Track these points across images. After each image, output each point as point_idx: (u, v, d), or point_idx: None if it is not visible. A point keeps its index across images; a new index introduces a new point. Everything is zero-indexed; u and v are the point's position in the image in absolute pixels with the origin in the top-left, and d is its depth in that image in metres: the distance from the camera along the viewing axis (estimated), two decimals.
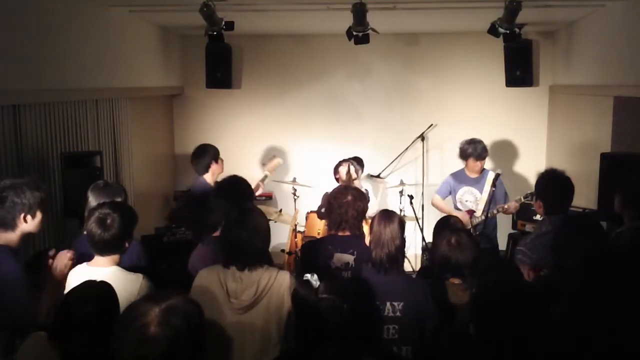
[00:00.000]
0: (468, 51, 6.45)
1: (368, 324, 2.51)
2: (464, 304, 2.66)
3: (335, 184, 4.95)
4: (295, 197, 5.98)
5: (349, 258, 3.10)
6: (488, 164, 5.92)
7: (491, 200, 4.76)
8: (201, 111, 6.79)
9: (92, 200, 3.09)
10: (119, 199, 3.05)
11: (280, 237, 6.28)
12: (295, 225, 5.45)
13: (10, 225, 2.58)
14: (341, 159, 5.30)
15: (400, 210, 5.90)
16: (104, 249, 2.56)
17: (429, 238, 4.06)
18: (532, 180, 6.42)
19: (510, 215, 5.25)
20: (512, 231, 5.36)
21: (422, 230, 5.56)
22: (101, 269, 2.56)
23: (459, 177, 5.13)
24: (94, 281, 2.17)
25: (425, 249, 5.46)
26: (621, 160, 4.15)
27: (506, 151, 6.53)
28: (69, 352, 1.96)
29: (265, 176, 5.08)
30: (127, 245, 2.63)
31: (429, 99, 6.56)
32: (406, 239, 2.78)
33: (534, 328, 1.81)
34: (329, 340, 1.96)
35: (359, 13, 4.47)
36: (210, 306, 2.41)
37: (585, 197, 4.60)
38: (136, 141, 5.47)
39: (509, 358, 1.83)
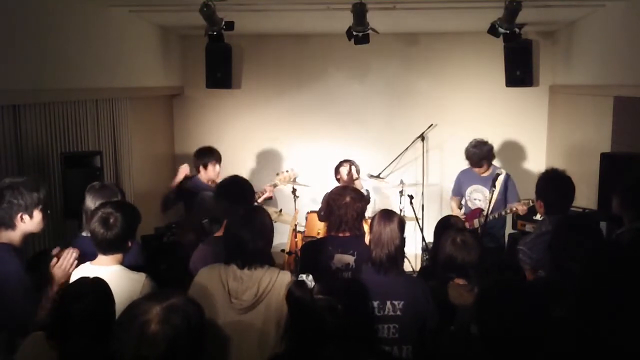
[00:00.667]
0: (468, 51, 6.44)
1: (364, 323, 2.50)
2: (468, 305, 2.65)
3: (336, 184, 4.95)
4: (295, 197, 5.97)
5: (350, 259, 3.10)
6: (499, 163, 5.92)
7: (497, 200, 4.76)
8: (201, 111, 6.79)
9: (89, 202, 3.09)
10: (112, 200, 3.05)
11: (280, 237, 6.27)
12: (295, 225, 5.45)
13: (9, 224, 2.59)
14: (342, 159, 5.30)
15: (400, 210, 5.89)
16: (107, 248, 2.56)
17: (429, 238, 4.06)
18: (533, 180, 6.38)
19: (511, 215, 5.25)
20: (512, 231, 5.36)
21: (422, 230, 5.56)
22: (104, 268, 2.56)
23: (468, 175, 5.13)
24: (88, 278, 2.18)
25: (425, 249, 5.46)
26: (621, 160, 4.15)
27: (506, 151, 6.53)
28: (68, 352, 1.96)
29: (275, 185, 5.09)
30: (130, 244, 2.64)
31: (429, 99, 6.56)
32: (406, 239, 2.78)
33: (535, 328, 1.81)
34: (326, 340, 1.95)
35: (359, 13, 4.47)
36: (211, 305, 2.42)
37: (585, 197, 4.59)
38: (136, 141, 5.47)
39: (510, 358, 1.83)
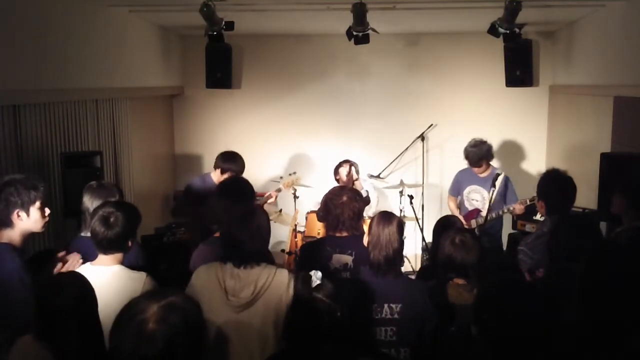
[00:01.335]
0: (468, 51, 6.45)
1: (362, 326, 2.50)
2: (468, 305, 2.65)
3: (335, 185, 4.94)
4: (295, 197, 5.97)
5: (348, 259, 3.10)
6: (497, 163, 5.93)
7: (496, 201, 4.76)
8: (201, 111, 6.79)
9: (87, 201, 3.10)
10: (112, 200, 3.06)
11: (280, 237, 6.28)
12: (295, 225, 5.45)
13: (6, 222, 2.59)
14: (341, 160, 5.30)
15: (400, 210, 5.89)
16: (108, 247, 2.57)
17: (429, 238, 4.06)
18: (533, 180, 6.41)
19: (510, 216, 5.25)
20: (512, 231, 5.36)
21: (422, 230, 5.56)
22: (105, 268, 2.57)
23: (467, 174, 5.13)
24: (64, 273, 2.18)
25: (425, 249, 5.46)
26: (621, 160, 4.15)
27: (506, 151, 6.53)
28: (60, 351, 1.95)
29: (279, 189, 5.04)
30: (130, 244, 2.64)
31: (429, 99, 6.56)
32: (405, 241, 2.78)
33: (535, 328, 1.81)
34: (322, 341, 1.95)
35: (359, 13, 4.47)
36: (208, 304, 2.41)
37: (585, 197, 4.59)
38: (136, 141, 5.47)
39: (510, 359, 1.83)
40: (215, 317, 2.43)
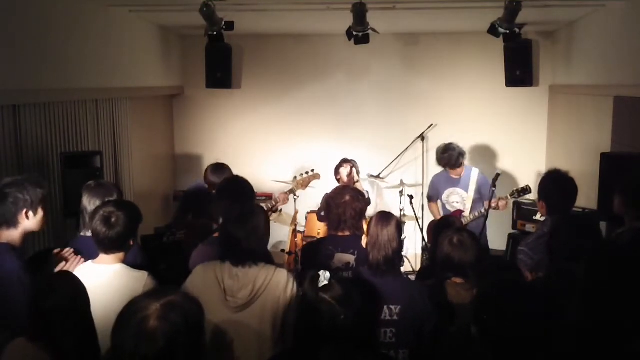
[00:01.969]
0: (468, 51, 6.44)
1: (365, 327, 2.50)
2: (466, 304, 2.65)
3: (336, 185, 4.95)
4: (295, 197, 5.96)
5: (350, 258, 3.10)
6: (488, 164, 5.94)
7: (478, 199, 4.79)
8: (201, 111, 6.79)
9: (85, 201, 3.10)
10: (111, 199, 3.06)
11: (280, 237, 6.28)
12: (295, 225, 5.45)
13: (13, 222, 2.59)
14: (342, 159, 5.29)
15: (400, 210, 5.89)
16: (109, 246, 2.57)
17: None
18: (532, 180, 6.42)
19: (510, 215, 5.25)
20: (512, 231, 5.36)
21: (422, 230, 5.56)
22: (106, 267, 2.57)
23: (443, 178, 5.18)
24: (56, 273, 2.17)
25: (425, 249, 5.46)
26: (621, 160, 4.15)
27: (506, 151, 6.53)
28: (54, 351, 1.95)
29: (292, 190, 4.93)
30: (131, 243, 2.64)
31: (429, 99, 6.56)
32: (404, 241, 2.78)
33: (535, 328, 1.81)
34: (324, 342, 1.95)
35: (359, 13, 4.47)
36: (206, 303, 2.40)
37: (585, 197, 4.59)
38: (136, 141, 5.47)
39: (510, 358, 1.83)
40: (212, 317, 2.42)
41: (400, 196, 6.02)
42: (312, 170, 5.18)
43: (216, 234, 3.12)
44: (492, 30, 4.80)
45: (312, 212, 5.51)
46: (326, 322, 1.94)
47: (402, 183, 6.06)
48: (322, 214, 5.12)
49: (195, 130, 6.79)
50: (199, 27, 5.02)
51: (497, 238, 5.25)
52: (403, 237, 2.76)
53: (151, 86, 5.88)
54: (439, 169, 6.08)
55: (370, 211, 5.13)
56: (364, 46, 5.00)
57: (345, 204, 3.15)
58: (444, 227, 3.16)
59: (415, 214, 5.49)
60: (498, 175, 4.77)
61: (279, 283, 2.52)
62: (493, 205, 4.75)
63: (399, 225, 2.75)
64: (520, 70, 6.04)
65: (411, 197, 5.54)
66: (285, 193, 4.81)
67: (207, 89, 6.42)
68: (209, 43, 5.71)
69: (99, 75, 4.63)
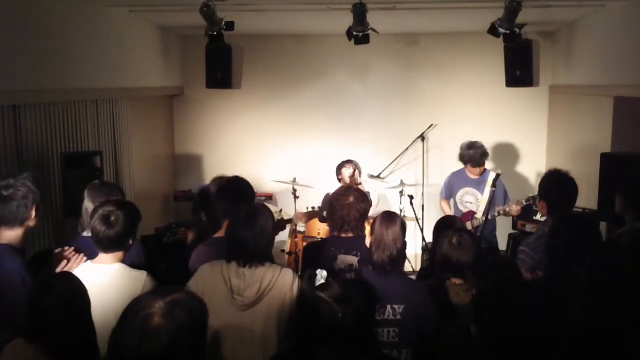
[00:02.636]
0: (468, 51, 6.44)
1: (364, 326, 2.50)
2: (465, 305, 2.65)
3: (336, 185, 4.94)
4: (295, 197, 5.97)
5: (353, 259, 3.09)
6: (488, 164, 5.93)
7: (491, 202, 4.75)
8: (201, 111, 6.79)
9: (88, 200, 3.10)
10: (113, 199, 3.06)
11: (281, 237, 6.28)
12: (295, 225, 5.45)
13: (20, 219, 2.58)
14: (344, 160, 5.23)
15: (400, 210, 5.89)
16: (108, 246, 2.57)
17: (429, 238, 4.06)
18: (533, 180, 6.43)
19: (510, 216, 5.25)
20: (512, 231, 5.36)
21: (422, 230, 5.56)
22: (105, 266, 2.57)
23: (459, 177, 5.12)
24: (55, 273, 2.17)
25: (425, 249, 5.46)
26: (621, 160, 4.15)
27: (506, 151, 6.53)
28: (52, 352, 1.94)
29: (291, 220, 5.13)
30: (130, 242, 2.64)
31: (429, 99, 6.56)
32: (407, 242, 2.78)
33: (535, 328, 1.81)
34: (324, 341, 1.95)
35: (359, 13, 4.47)
36: (212, 301, 2.41)
37: (585, 197, 4.59)
38: (136, 141, 5.47)
39: (510, 358, 1.83)
40: (218, 315, 2.42)
41: (400, 196, 6.03)
42: (314, 207, 5.21)
43: (216, 234, 3.12)
44: (492, 30, 4.80)
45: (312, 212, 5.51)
46: (324, 321, 1.94)
47: (402, 183, 6.06)
48: (324, 214, 5.12)
49: (195, 130, 6.79)
50: (199, 27, 5.02)
51: (497, 238, 5.25)
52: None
53: (151, 86, 5.88)
54: (439, 169, 6.10)
55: (371, 212, 5.14)
56: (364, 46, 4.99)
57: (349, 205, 3.14)
58: (445, 227, 3.16)
59: (415, 214, 5.49)
60: (498, 175, 4.77)
61: (285, 283, 2.53)
62: (507, 209, 4.74)
63: (404, 224, 2.75)
64: (520, 70, 6.04)
65: (411, 197, 5.54)
66: (284, 219, 4.92)
67: (207, 89, 6.42)
68: (209, 43, 5.71)
69: (99, 75, 4.63)
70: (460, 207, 5.09)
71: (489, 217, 4.70)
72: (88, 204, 3.09)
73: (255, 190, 3.46)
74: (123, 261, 2.64)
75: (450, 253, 2.74)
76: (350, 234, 3.16)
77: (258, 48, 6.62)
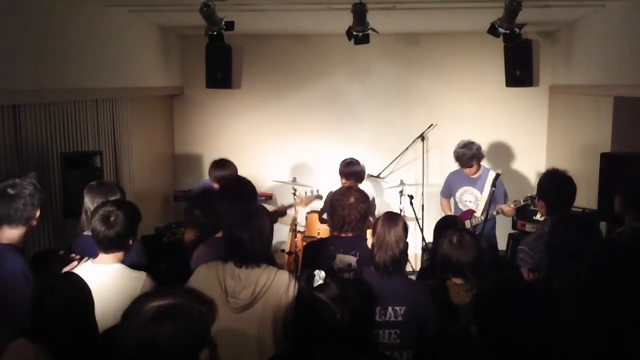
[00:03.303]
0: (468, 51, 6.44)
1: (362, 327, 2.50)
2: (465, 305, 2.65)
3: (336, 184, 4.93)
4: (295, 197, 5.98)
5: (352, 259, 3.10)
6: (488, 164, 5.93)
7: (491, 201, 4.75)
8: (201, 111, 6.79)
9: (87, 201, 3.10)
10: (113, 198, 3.06)
11: (280, 237, 6.28)
12: (295, 226, 5.45)
13: (25, 219, 2.57)
14: (352, 159, 5.07)
15: (400, 210, 5.89)
16: (108, 246, 2.57)
17: (429, 238, 4.06)
18: (532, 180, 6.43)
19: (501, 215, 5.24)
20: (512, 231, 5.36)
21: (422, 230, 5.56)
22: (105, 267, 2.57)
23: (459, 176, 5.13)
24: (58, 273, 2.16)
25: (425, 249, 5.47)
26: (621, 160, 4.15)
27: (506, 151, 6.53)
28: (54, 352, 1.94)
29: (292, 205, 4.99)
30: (131, 242, 2.64)
31: (429, 99, 6.56)
32: (408, 243, 2.78)
33: (535, 328, 1.81)
34: (322, 342, 1.95)
35: (359, 13, 4.47)
36: None
37: (585, 197, 4.60)
38: (136, 141, 5.47)
39: (510, 358, 1.83)
40: None
41: (400, 196, 6.03)
42: (317, 191, 5.16)
43: (218, 234, 3.12)
44: (492, 30, 4.80)
45: (312, 212, 5.51)
46: (322, 322, 1.94)
47: (402, 183, 6.06)
48: (324, 216, 5.10)
49: (195, 130, 6.79)
50: (199, 27, 5.02)
51: (497, 238, 5.25)
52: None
53: (151, 86, 5.88)
54: (439, 169, 6.10)
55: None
56: (364, 46, 5.00)
57: (350, 206, 3.14)
58: (445, 227, 3.16)
59: (415, 214, 5.49)
60: (498, 175, 4.78)
61: (281, 285, 2.52)
62: (499, 211, 4.74)
63: (406, 225, 2.75)
64: (520, 70, 6.04)
65: (411, 197, 5.54)
66: (284, 206, 4.85)
67: (207, 89, 6.42)
68: (209, 43, 5.71)
69: (99, 75, 4.63)
70: (460, 206, 5.09)
71: (488, 216, 4.70)
72: (87, 205, 3.09)
73: (257, 191, 3.47)
74: (123, 261, 2.64)
75: (450, 253, 2.74)
76: (349, 234, 3.17)
77: (258, 48, 6.62)
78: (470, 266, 2.72)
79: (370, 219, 3.61)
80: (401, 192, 6.04)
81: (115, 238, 2.55)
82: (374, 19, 4.63)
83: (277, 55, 6.64)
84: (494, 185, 4.71)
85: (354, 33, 4.81)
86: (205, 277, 2.53)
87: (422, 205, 6.19)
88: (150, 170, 6.06)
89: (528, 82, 6.10)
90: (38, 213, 2.62)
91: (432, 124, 6.36)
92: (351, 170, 4.73)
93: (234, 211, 2.68)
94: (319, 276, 2.03)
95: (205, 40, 5.41)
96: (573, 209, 3.63)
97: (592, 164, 4.56)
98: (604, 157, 4.27)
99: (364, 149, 6.37)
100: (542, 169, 6.30)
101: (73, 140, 4.26)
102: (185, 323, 1.56)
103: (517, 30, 4.81)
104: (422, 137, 6.34)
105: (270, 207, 5.66)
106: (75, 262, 2.70)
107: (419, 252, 6.07)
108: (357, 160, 4.83)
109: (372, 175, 6.18)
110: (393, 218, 2.75)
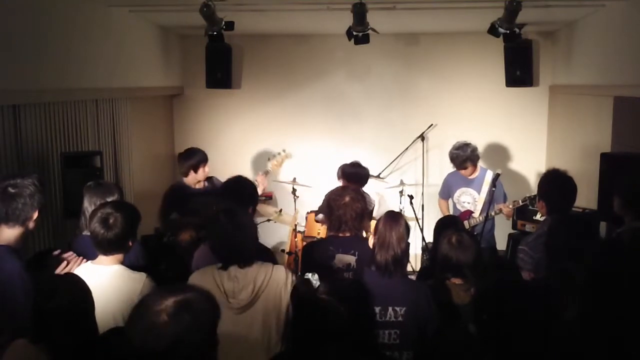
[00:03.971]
0: (468, 51, 6.44)
1: (364, 327, 2.50)
2: (465, 305, 2.65)
3: (331, 183, 4.93)
4: (295, 197, 5.98)
5: (351, 259, 3.10)
6: (488, 164, 5.94)
7: (490, 201, 4.75)
8: (201, 111, 6.79)
9: (86, 201, 3.10)
10: (111, 198, 3.06)
11: (280, 237, 6.29)
12: (295, 226, 5.45)
13: (23, 219, 2.57)
14: (354, 161, 5.11)
15: (400, 210, 5.89)
16: (107, 248, 2.57)
17: (429, 238, 4.07)
18: (532, 180, 6.43)
19: (499, 215, 5.24)
20: (512, 231, 5.36)
21: (422, 230, 5.56)
22: (105, 268, 2.57)
23: (456, 177, 5.14)
24: (60, 274, 2.16)
25: (425, 249, 5.47)
26: (621, 160, 4.15)
27: (506, 151, 6.53)
28: (54, 353, 1.95)
29: (267, 172, 4.87)
30: (130, 244, 2.64)
31: (429, 99, 6.56)
32: (409, 243, 2.78)
33: (535, 327, 1.81)
34: (326, 341, 1.95)
35: (359, 13, 4.47)
36: None
37: (585, 197, 4.59)
38: (136, 141, 5.47)
39: (509, 358, 1.83)
40: None
41: (400, 196, 6.03)
42: (284, 151, 5.10)
43: None
44: (492, 30, 4.79)
45: (312, 212, 5.51)
46: (322, 322, 1.95)
47: (402, 183, 6.06)
48: (319, 216, 5.11)
49: (195, 130, 6.79)
50: (199, 27, 5.02)
51: (497, 238, 5.25)
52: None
53: (151, 86, 5.88)
54: (438, 169, 6.10)
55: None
56: (364, 46, 4.99)
57: (345, 205, 3.15)
58: (445, 227, 3.17)
59: (415, 214, 5.49)
60: (498, 175, 4.78)
61: (279, 280, 2.53)
62: (502, 209, 4.74)
63: (407, 225, 2.75)
64: (520, 70, 6.04)
65: (411, 197, 5.54)
66: (262, 175, 4.77)
67: (207, 89, 6.42)
68: (209, 43, 5.71)
69: (99, 75, 4.63)
70: (458, 207, 5.10)
71: (488, 216, 4.70)
72: (86, 205, 3.09)
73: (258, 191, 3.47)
74: (122, 262, 2.64)
75: (450, 253, 2.74)
76: (348, 234, 3.17)
77: (258, 48, 6.62)
78: (469, 266, 2.73)
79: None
80: (401, 192, 6.04)
81: (114, 240, 2.55)
82: (374, 19, 4.63)
83: (277, 55, 6.64)
84: (493, 185, 4.71)
85: (354, 33, 4.81)
86: (202, 283, 2.52)
87: (422, 205, 6.19)
88: (150, 170, 6.06)
89: (528, 82, 6.11)
90: (36, 215, 2.61)
91: (432, 124, 6.36)
92: (352, 171, 4.77)
93: (219, 219, 2.66)
94: (314, 279, 2.05)
95: (205, 40, 5.41)
96: (573, 209, 3.63)
97: (592, 164, 4.56)
98: (604, 157, 4.26)
99: (364, 149, 6.37)
100: (542, 169, 6.30)
101: (73, 140, 4.25)
102: (202, 315, 1.57)
103: (517, 30, 4.80)
104: (422, 137, 6.34)
105: (268, 208, 5.67)
106: (66, 262, 2.70)
107: (419, 252, 6.07)
108: (360, 163, 4.90)
109: (372, 176, 6.18)
110: (395, 217, 2.75)
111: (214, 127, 6.77)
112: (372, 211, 4.81)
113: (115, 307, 2.43)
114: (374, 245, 2.72)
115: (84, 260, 2.73)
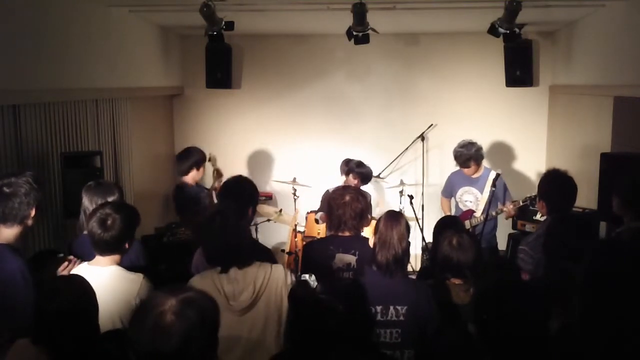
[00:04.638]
0: (468, 51, 6.44)
1: (363, 326, 2.50)
2: (465, 305, 2.65)
3: (336, 183, 4.94)
4: (295, 197, 5.98)
5: (351, 258, 3.10)
6: (488, 164, 5.94)
7: (491, 201, 4.75)
8: (201, 111, 6.79)
9: (86, 201, 3.11)
10: (112, 198, 3.06)
11: (280, 237, 6.29)
12: (295, 225, 5.45)
13: (20, 218, 2.57)
14: (357, 161, 5.20)
15: (400, 210, 5.89)
16: (104, 249, 2.57)
17: (429, 238, 4.07)
18: (532, 180, 6.43)
19: (502, 216, 5.24)
20: (512, 231, 5.36)
21: (422, 230, 5.56)
22: (102, 268, 2.57)
23: (459, 176, 5.13)
24: (63, 276, 2.17)
25: (425, 249, 5.47)
26: (621, 160, 4.15)
27: (506, 151, 6.53)
28: (56, 354, 1.94)
29: (218, 170, 5.18)
30: (127, 246, 2.64)
31: (429, 99, 6.56)
32: (410, 242, 2.78)
33: (534, 328, 1.81)
34: (325, 341, 1.95)
35: (359, 13, 4.47)
36: None
37: (585, 197, 4.59)
38: (136, 141, 5.47)
39: (509, 358, 1.83)
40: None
41: (400, 196, 6.03)
42: (210, 153, 5.33)
43: None
44: (492, 30, 4.79)
45: (311, 212, 5.51)
46: (321, 322, 1.95)
47: (402, 183, 6.06)
48: (319, 214, 5.13)
49: (195, 130, 6.79)
50: (199, 27, 5.02)
51: (497, 238, 5.25)
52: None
53: (151, 86, 5.88)
54: (439, 169, 6.10)
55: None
56: (364, 46, 4.99)
57: (345, 205, 3.15)
58: (445, 227, 3.17)
59: (415, 214, 5.49)
60: (498, 175, 4.78)
61: (279, 279, 2.53)
62: (504, 209, 4.74)
63: (408, 224, 2.76)
64: (520, 70, 6.04)
65: (411, 197, 5.54)
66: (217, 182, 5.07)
67: (207, 89, 6.42)
68: (209, 43, 5.71)
69: (99, 75, 4.63)
70: (460, 206, 5.09)
71: (488, 217, 4.70)
72: (85, 204, 3.09)
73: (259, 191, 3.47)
74: (122, 262, 2.64)
75: (450, 254, 2.74)
76: (348, 233, 3.17)
77: (258, 48, 6.62)
78: (470, 267, 2.73)
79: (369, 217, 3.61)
80: (401, 192, 6.04)
81: (111, 241, 2.55)
82: (374, 19, 4.63)
83: (277, 55, 6.64)
84: (494, 185, 4.70)
85: (354, 33, 4.81)
86: (202, 287, 2.51)
87: (422, 205, 6.19)
88: (150, 170, 6.06)
89: (528, 82, 6.11)
90: (33, 212, 2.61)
91: (432, 124, 6.36)
92: (362, 171, 5.06)
93: (244, 210, 2.66)
94: (310, 280, 2.05)
95: (205, 40, 5.41)
96: (573, 209, 3.63)
97: (592, 164, 4.56)
98: (604, 157, 4.27)
99: (364, 149, 6.37)
100: (542, 169, 6.30)
101: (73, 140, 4.25)
102: (206, 311, 1.58)
103: (517, 30, 4.80)
104: (422, 137, 6.34)
105: (268, 208, 5.67)
106: (66, 263, 2.70)
107: (419, 252, 6.07)
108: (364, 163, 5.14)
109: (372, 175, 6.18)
110: (395, 217, 2.75)
111: (214, 127, 6.77)
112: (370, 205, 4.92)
113: (112, 308, 2.43)
114: (374, 244, 2.72)
115: (81, 261, 2.73)
